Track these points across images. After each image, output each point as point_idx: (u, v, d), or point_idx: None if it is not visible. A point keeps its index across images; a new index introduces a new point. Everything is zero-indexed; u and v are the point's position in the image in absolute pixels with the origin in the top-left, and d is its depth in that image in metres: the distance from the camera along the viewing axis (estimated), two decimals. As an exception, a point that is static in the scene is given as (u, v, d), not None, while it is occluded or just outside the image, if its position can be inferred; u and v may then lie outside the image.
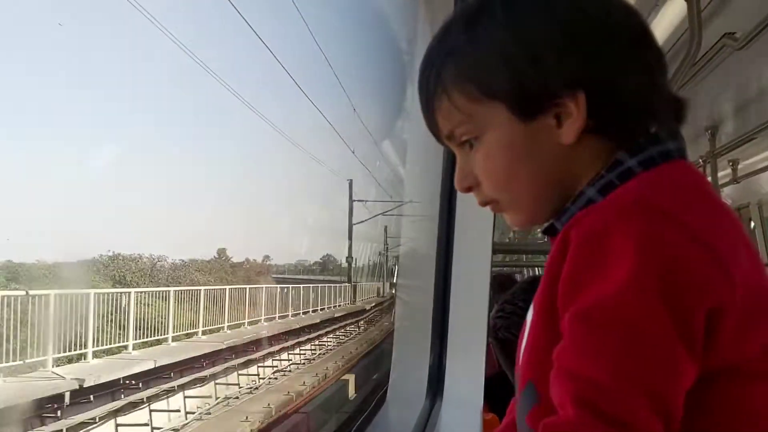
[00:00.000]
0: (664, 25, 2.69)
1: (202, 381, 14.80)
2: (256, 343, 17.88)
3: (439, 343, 2.31)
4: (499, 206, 0.93)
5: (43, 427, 10.33)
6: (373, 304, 30.20)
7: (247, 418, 12.70)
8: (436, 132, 0.94)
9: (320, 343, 22.10)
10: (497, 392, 2.17)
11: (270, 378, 16.98)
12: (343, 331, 25.10)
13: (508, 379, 2.04)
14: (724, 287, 0.75)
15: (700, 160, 4.47)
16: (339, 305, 27.94)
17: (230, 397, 14.72)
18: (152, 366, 13.43)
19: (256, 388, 15.84)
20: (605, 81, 0.84)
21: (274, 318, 21.59)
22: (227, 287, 20.63)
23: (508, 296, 2.07)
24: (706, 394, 0.76)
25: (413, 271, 2.58)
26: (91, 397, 11.44)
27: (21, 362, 11.59)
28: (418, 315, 2.41)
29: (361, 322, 27.19)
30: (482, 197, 0.94)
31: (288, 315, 22.53)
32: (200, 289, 18.63)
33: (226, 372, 15.85)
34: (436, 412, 2.17)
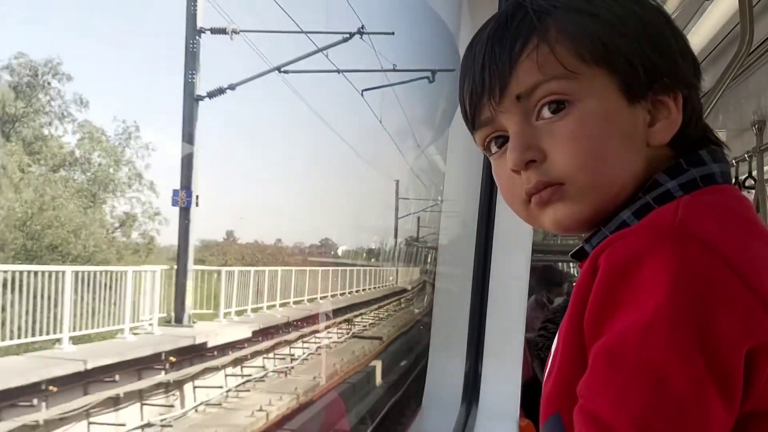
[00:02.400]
0: (715, 18, 2.61)
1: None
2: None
3: (475, 348, 2.27)
4: (560, 192, 0.81)
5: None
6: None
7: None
8: (503, 85, 0.82)
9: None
10: (533, 398, 2.13)
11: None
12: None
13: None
14: (766, 325, 0.68)
15: (746, 155, 4.35)
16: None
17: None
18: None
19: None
20: (696, 94, 0.86)
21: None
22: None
23: (550, 314, 2.02)
24: None
25: (451, 274, 2.54)
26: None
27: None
28: (455, 319, 2.37)
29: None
30: (543, 176, 0.81)
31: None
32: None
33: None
34: (472, 420, 2.14)
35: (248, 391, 12.68)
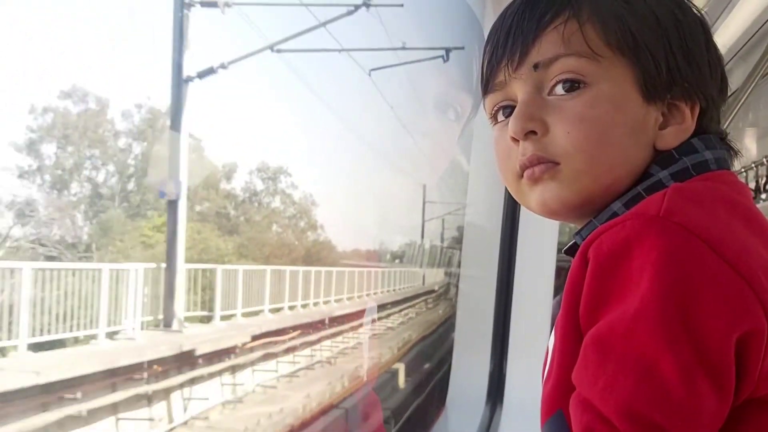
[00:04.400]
0: (745, 14, 2.57)
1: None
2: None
3: (500, 348, 2.27)
4: (553, 171, 0.80)
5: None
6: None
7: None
8: (523, 51, 0.82)
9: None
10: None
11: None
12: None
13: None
14: (756, 311, 0.66)
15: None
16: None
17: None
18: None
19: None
20: (716, 110, 0.85)
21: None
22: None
23: None
24: (735, 428, 0.68)
25: (475, 274, 2.53)
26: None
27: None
28: (480, 319, 2.37)
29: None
30: (540, 150, 0.80)
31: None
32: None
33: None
34: (497, 421, 2.13)
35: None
